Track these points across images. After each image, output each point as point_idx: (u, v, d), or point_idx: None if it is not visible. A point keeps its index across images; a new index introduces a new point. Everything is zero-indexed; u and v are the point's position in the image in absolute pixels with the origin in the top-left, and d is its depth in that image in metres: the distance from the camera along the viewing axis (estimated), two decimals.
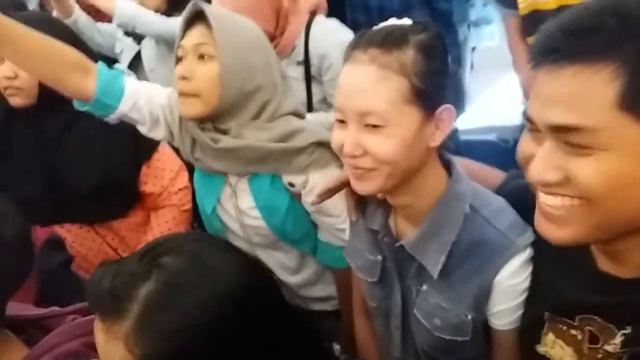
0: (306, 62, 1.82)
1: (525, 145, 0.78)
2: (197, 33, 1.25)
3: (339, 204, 1.27)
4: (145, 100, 1.31)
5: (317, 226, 1.41)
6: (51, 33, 1.23)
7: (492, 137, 2.29)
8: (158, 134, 1.36)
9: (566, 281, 0.85)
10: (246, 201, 1.35)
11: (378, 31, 0.93)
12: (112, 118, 1.32)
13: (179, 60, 1.27)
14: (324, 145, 1.28)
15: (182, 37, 1.26)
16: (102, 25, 2.40)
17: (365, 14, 2.32)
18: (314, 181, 1.30)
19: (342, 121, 0.94)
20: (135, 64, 2.38)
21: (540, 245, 0.90)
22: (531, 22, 1.81)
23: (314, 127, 1.33)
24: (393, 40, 0.90)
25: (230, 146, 1.28)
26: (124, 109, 1.30)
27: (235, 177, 1.35)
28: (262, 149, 1.28)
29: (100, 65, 1.29)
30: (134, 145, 1.59)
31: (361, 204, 1.12)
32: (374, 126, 0.90)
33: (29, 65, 1.23)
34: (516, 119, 2.09)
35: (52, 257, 1.33)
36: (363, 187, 0.96)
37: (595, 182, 0.65)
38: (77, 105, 1.30)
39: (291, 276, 1.49)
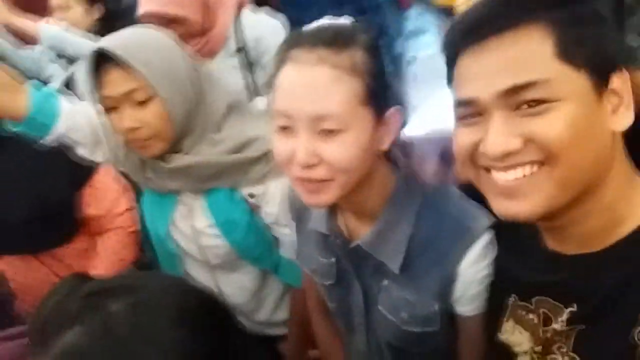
0: (242, 50, 1.82)
1: (465, 136, 0.76)
2: (118, 79, 1.14)
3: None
4: (86, 119, 1.25)
5: (278, 241, 1.37)
6: None
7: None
8: (100, 156, 1.30)
9: (521, 264, 0.86)
10: (203, 219, 1.30)
11: (322, 30, 0.88)
12: (49, 139, 1.25)
13: (108, 110, 1.18)
14: None
15: (98, 86, 1.17)
16: (26, 51, 2.30)
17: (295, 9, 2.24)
18: (274, 189, 1.26)
19: (286, 127, 0.87)
20: (67, 88, 2.27)
21: (495, 230, 0.92)
22: None
23: (267, 133, 1.28)
24: (342, 40, 0.86)
25: (184, 164, 1.23)
26: (62, 128, 1.23)
27: (189, 194, 1.31)
28: (217, 164, 1.24)
29: (32, 82, 1.24)
30: (70, 168, 1.51)
31: (303, 209, 1.11)
32: (330, 131, 0.84)
33: None
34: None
35: None
36: (317, 201, 0.90)
37: (558, 134, 0.67)
38: (9, 125, 1.24)
39: (251, 299, 1.44)
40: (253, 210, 1.30)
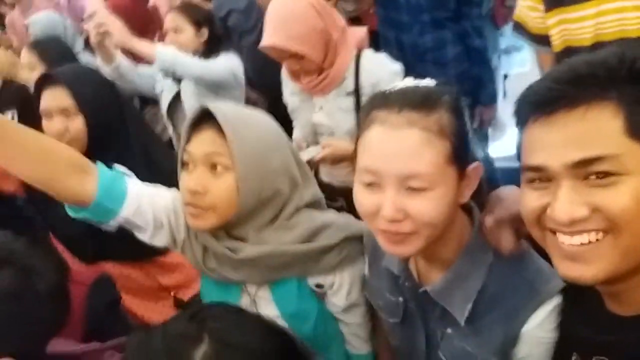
0: (357, 92, 1.83)
1: (532, 199, 0.80)
2: (207, 139, 1.11)
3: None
4: (149, 203, 1.19)
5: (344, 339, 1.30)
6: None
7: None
8: (160, 240, 1.22)
9: (583, 323, 0.88)
10: (269, 310, 1.20)
11: (409, 92, 0.92)
12: (111, 225, 1.18)
13: (184, 165, 1.14)
14: (354, 239, 1.19)
15: (188, 139, 1.13)
16: (142, 68, 2.50)
17: (398, 50, 2.32)
18: (343, 279, 1.20)
19: (372, 184, 0.91)
20: (175, 104, 2.47)
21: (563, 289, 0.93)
22: (566, 58, 1.81)
23: (341, 219, 1.23)
24: (430, 103, 0.89)
25: (253, 255, 1.15)
26: (127, 213, 1.16)
27: (254, 285, 1.22)
28: (288, 254, 1.16)
29: (100, 165, 1.17)
30: None
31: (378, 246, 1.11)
32: (416, 189, 0.88)
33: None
34: None
35: (100, 297, 1.33)
36: (401, 251, 0.93)
37: (623, 207, 0.71)
38: (71, 212, 1.16)
39: None
40: (320, 300, 1.23)
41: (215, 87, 2.34)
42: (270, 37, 1.74)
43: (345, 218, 1.24)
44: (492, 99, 2.43)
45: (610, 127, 0.71)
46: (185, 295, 1.75)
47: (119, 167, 1.25)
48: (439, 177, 0.88)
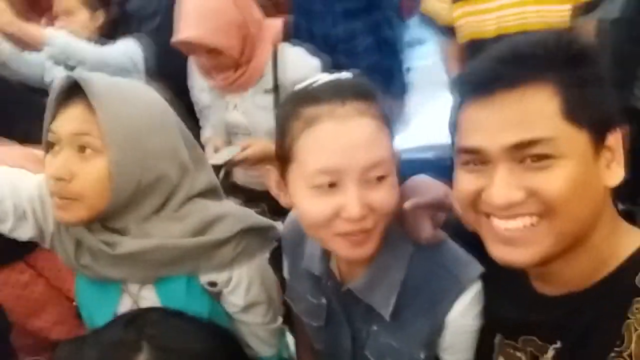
0: (277, 90, 1.76)
1: (467, 182, 0.79)
2: (75, 116, 0.98)
3: (268, 289, 1.14)
4: (9, 190, 1.05)
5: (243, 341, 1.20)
6: None
7: (429, 155, 2.33)
8: (24, 233, 1.09)
9: (508, 303, 0.89)
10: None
11: (342, 84, 0.91)
12: None
13: (49, 147, 1.00)
14: (252, 231, 1.10)
15: (54, 116, 0.99)
16: (29, 55, 2.27)
17: (309, 40, 2.20)
18: (240, 275, 1.09)
19: (330, 185, 0.86)
20: None
21: (485, 271, 0.94)
22: (470, 50, 1.87)
23: (239, 210, 1.14)
24: (368, 92, 0.90)
25: (134, 250, 1.02)
26: None
27: (136, 284, 1.09)
28: (176, 248, 1.03)
29: None
30: None
31: (297, 247, 1.09)
32: (378, 179, 0.87)
33: None
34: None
35: None
36: (361, 253, 0.91)
37: (558, 190, 0.72)
38: None
39: None
40: (214, 300, 1.12)
41: (112, 75, 2.17)
42: (186, 31, 1.64)
43: (243, 209, 1.15)
44: (402, 91, 2.45)
45: (547, 110, 0.72)
46: None
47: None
48: (391, 162, 0.89)
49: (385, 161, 0.87)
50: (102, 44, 2.19)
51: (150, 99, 1.07)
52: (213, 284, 1.09)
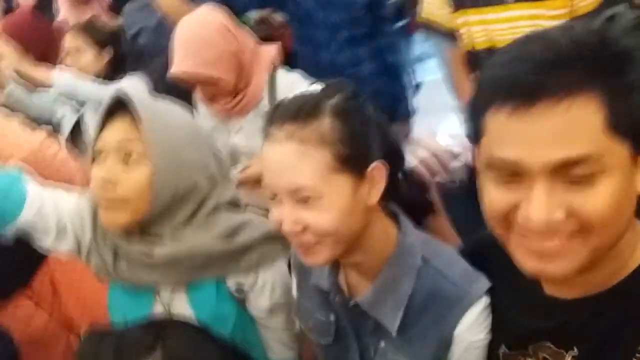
0: None
1: (499, 197, 0.72)
2: (121, 127, 1.07)
3: (289, 293, 1.17)
4: (52, 206, 1.13)
5: (265, 345, 1.27)
6: None
7: (439, 178, 2.29)
8: (64, 246, 1.16)
9: (517, 309, 0.87)
10: (185, 317, 1.14)
11: (290, 103, 0.92)
12: (11, 230, 1.11)
13: (95, 155, 1.09)
14: (273, 237, 1.16)
15: (101, 129, 1.09)
16: (40, 94, 2.32)
17: (315, 68, 2.25)
18: (265, 279, 1.17)
19: (274, 197, 0.91)
20: (77, 130, 2.30)
21: (490, 276, 0.93)
22: (470, 58, 1.86)
23: (257, 219, 1.20)
24: (307, 111, 0.88)
25: (170, 255, 1.10)
26: (28, 215, 1.10)
27: (167, 291, 1.16)
28: (207, 253, 1.12)
29: None
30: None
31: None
32: (308, 200, 0.88)
33: None
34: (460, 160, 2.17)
35: None
36: (312, 261, 0.93)
37: (601, 210, 0.66)
38: None
39: None
40: (240, 303, 1.19)
41: None
42: (180, 64, 1.67)
43: (262, 218, 1.20)
44: (408, 115, 2.45)
45: (594, 123, 0.65)
46: None
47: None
48: (325, 186, 0.87)
49: (307, 187, 0.86)
50: (111, 79, 2.21)
51: (185, 115, 1.18)
52: (240, 287, 1.17)
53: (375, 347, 1.00)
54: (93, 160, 1.09)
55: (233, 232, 1.14)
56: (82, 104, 2.26)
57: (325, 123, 0.87)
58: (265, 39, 2.15)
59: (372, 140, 0.92)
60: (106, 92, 2.07)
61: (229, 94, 1.76)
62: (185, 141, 1.11)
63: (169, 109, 1.15)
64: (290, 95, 1.67)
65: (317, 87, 0.94)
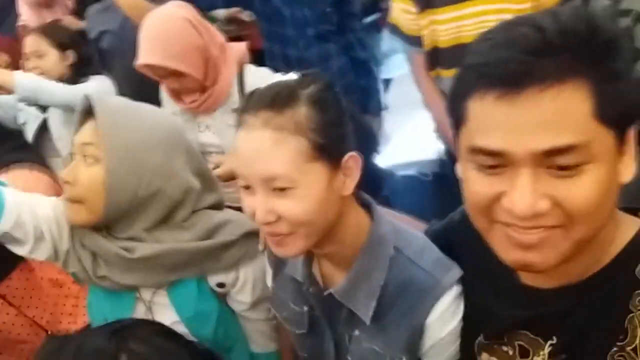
0: None
1: (483, 186, 0.70)
2: (86, 130, 1.11)
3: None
4: (30, 214, 1.12)
5: (247, 337, 1.30)
6: None
7: (412, 171, 2.35)
8: (41, 253, 1.16)
9: (493, 298, 0.86)
10: (167, 316, 1.16)
11: (266, 91, 0.91)
12: None
13: (71, 157, 1.14)
14: (253, 234, 1.19)
15: (77, 131, 1.14)
16: (1, 98, 2.25)
17: (284, 64, 2.31)
18: (246, 275, 1.20)
19: (247, 187, 0.90)
20: (41, 134, 2.24)
21: (464, 265, 0.93)
22: (431, 58, 1.89)
23: (238, 216, 1.21)
24: (283, 99, 0.88)
25: (150, 254, 1.11)
26: (5, 226, 1.09)
27: (149, 290, 1.18)
28: (186, 251, 1.13)
29: None
30: None
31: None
32: (282, 189, 0.87)
33: None
34: (432, 153, 2.26)
35: None
36: (284, 252, 0.93)
37: (586, 200, 0.65)
38: None
39: None
40: (222, 300, 1.22)
41: None
42: (147, 56, 1.65)
43: (243, 215, 1.18)
44: (379, 109, 2.46)
45: (582, 111, 0.64)
46: (69, 329, 1.57)
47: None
48: (300, 175, 0.86)
49: (283, 175, 0.86)
50: (74, 82, 2.17)
51: (156, 121, 1.16)
52: (221, 284, 1.18)
53: (349, 335, 1.01)
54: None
55: (212, 231, 1.16)
56: (44, 108, 2.21)
57: (302, 111, 0.87)
58: (234, 38, 2.15)
59: (347, 130, 0.92)
60: (70, 95, 2.09)
61: (195, 90, 1.75)
62: (147, 146, 1.10)
63: (135, 114, 1.14)
64: (261, 84, 1.72)
65: (292, 76, 0.93)
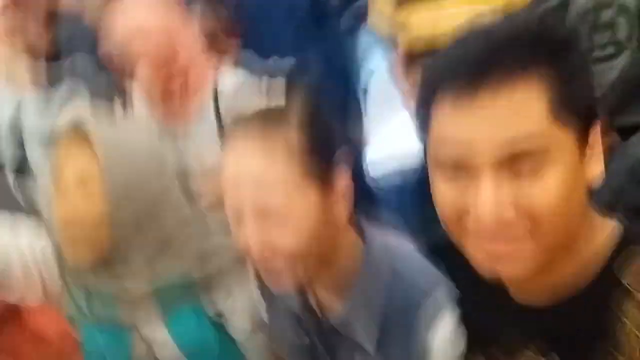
0: (218, 118, 1.71)
1: (449, 193, 0.70)
2: (80, 161, 1.06)
3: None
4: (18, 254, 1.13)
5: None
6: None
7: (395, 165, 2.38)
8: (33, 297, 1.16)
9: (489, 318, 0.84)
10: (169, 352, 1.16)
11: (253, 115, 0.90)
12: None
13: (54, 189, 1.10)
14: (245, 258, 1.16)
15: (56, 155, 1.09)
16: None
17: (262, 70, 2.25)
18: (243, 301, 1.20)
19: (237, 218, 0.87)
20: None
21: (458, 286, 0.90)
22: (410, 59, 1.86)
23: (229, 241, 1.17)
24: (272, 122, 0.87)
25: (147, 290, 1.11)
26: None
27: (148, 327, 1.16)
28: (183, 282, 1.14)
29: None
30: None
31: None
32: (276, 218, 0.85)
33: None
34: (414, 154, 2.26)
35: None
36: (282, 287, 0.92)
37: (550, 201, 0.65)
38: None
39: None
40: (222, 330, 1.21)
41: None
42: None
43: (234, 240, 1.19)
44: (359, 114, 2.43)
45: (538, 109, 0.64)
46: None
47: None
48: (294, 202, 0.84)
49: (280, 205, 0.84)
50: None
51: (149, 145, 1.15)
52: (219, 314, 1.16)
53: None
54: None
55: (207, 257, 1.15)
56: None
57: (292, 133, 0.85)
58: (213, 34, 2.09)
59: (337, 149, 0.91)
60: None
61: (160, 70, 1.62)
62: (146, 176, 1.10)
63: (131, 140, 1.13)
64: (239, 98, 1.60)
65: (277, 85, 0.92)
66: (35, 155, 2.06)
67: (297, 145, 0.85)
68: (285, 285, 0.91)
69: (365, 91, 2.69)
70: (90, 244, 1.08)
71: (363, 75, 2.71)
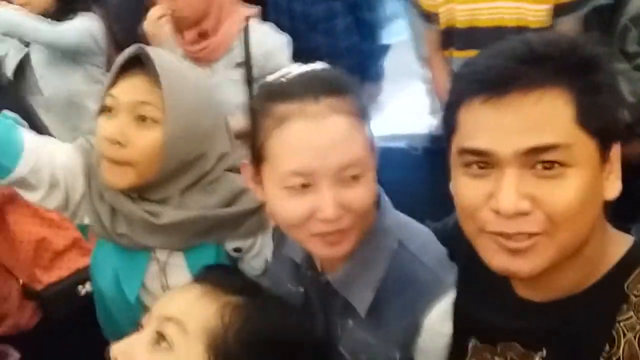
0: (248, 64, 1.79)
1: (472, 189, 0.74)
2: (137, 86, 1.04)
3: None
4: (47, 160, 1.08)
5: None
6: None
7: (402, 144, 2.34)
8: (52, 201, 1.12)
9: (486, 307, 0.87)
10: (180, 278, 1.12)
11: (314, 78, 0.88)
12: (3, 183, 1.07)
13: (104, 110, 1.05)
14: None
15: (114, 82, 1.05)
16: None
17: (289, 18, 2.24)
18: (263, 242, 1.18)
19: (304, 185, 0.83)
20: (22, 68, 2.14)
21: (459, 272, 0.93)
22: (447, 37, 1.86)
23: None
24: (342, 86, 0.86)
25: (177, 220, 1.09)
26: (23, 170, 1.06)
27: (165, 251, 1.15)
28: (212, 218, 1.11)
29: None
30: None
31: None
32: (354, 177, 0.83)
33: None
34: (424, 127, 2.31)
35: None
36: (338, 252, 0.88)
37: (567, 202, 0.69)
38: None
39: None
40: (234, 263, 1.20)
41: (72, 54, 2.08)
42: None
43: None
44: (379, 76, 2.41)
45: (564, 115, 0.69)
46: (43, 281, 1.49)
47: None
48: (369, 159, 0.86)
49: (360, 160, 0.84)
50: (60, 19, 2.06)
51: (206, 83, 1.14)
52: (238, 249, 1.16)
53: (342, 325, 0.98)
54: (102, 111, 1.06)
55: (236, 196, 1.14)
56: (26, 42, 2.09)
57: (356, 97, 0.86)
58: None
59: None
60: (56, 34, 1.99)
61: (191, 24, 1.73)
62: (203, 109, 1.08)
63: (189, 73, 1.11)
64: (265, 51, 1.73)
65: (305, 66, 0.90)
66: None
67: (362, 109, 0.87)
68: (343, 248, 0.88)
69: (386, 48, 2.63)
70: (136, 172, 1.05)
71: (385, 35, 2.66)
